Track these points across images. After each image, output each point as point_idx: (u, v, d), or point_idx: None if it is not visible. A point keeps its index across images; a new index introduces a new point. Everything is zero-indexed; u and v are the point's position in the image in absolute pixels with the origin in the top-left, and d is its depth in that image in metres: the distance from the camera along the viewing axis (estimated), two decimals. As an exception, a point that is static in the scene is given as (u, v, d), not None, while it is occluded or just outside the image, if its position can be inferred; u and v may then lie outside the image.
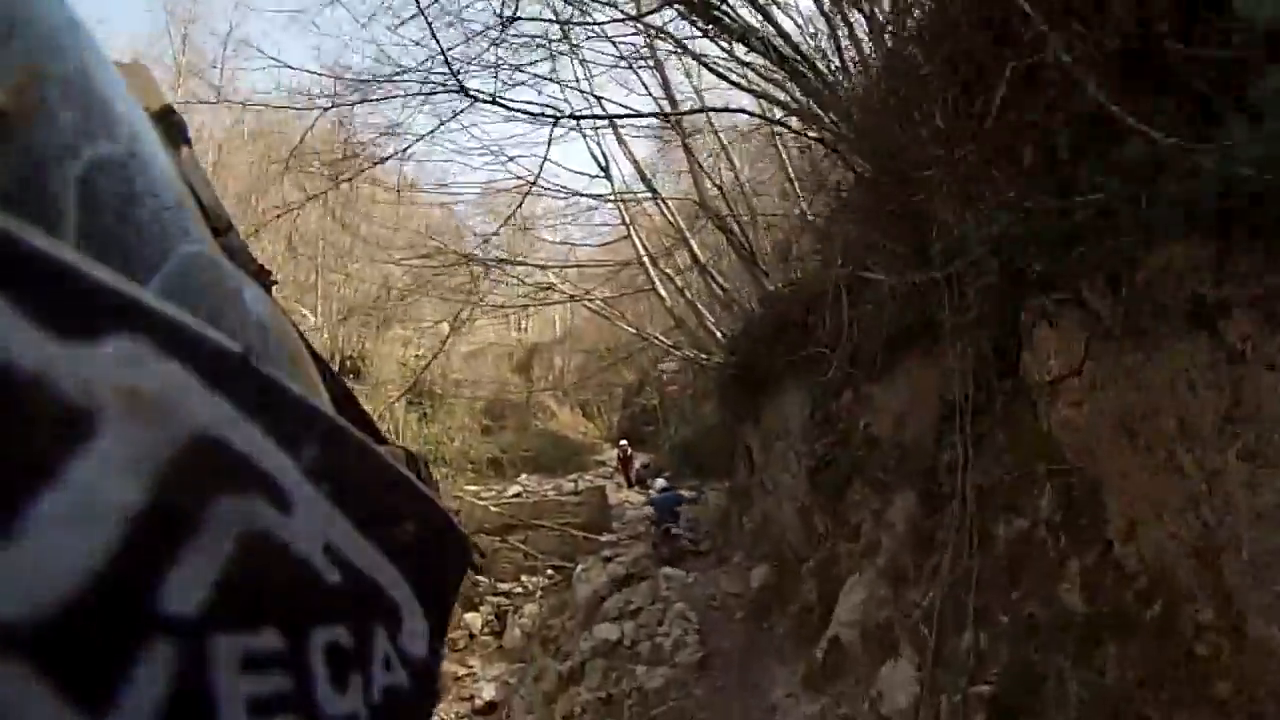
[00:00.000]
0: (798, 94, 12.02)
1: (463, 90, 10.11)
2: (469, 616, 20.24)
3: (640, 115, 15.60)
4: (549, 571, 22.21)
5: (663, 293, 19.57)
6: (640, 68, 16.65)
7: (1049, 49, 4.79)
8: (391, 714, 0.79)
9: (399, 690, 0.80)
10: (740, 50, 12.86)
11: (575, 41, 15.18)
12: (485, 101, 10.67)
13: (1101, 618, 5.47)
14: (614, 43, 14.92)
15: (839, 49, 10.99)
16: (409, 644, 0.83)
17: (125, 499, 0.55)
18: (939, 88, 6.78)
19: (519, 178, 16.73)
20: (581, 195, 18.00)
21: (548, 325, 48.72)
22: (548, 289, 20.30)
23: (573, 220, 22.72)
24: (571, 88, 14.45)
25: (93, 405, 0.53)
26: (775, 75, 13.20)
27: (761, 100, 13.35)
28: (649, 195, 18.82)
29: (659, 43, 14.96)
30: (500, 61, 12.31)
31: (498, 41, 11.80)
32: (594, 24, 12.87)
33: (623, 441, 32.98)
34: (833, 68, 10.91)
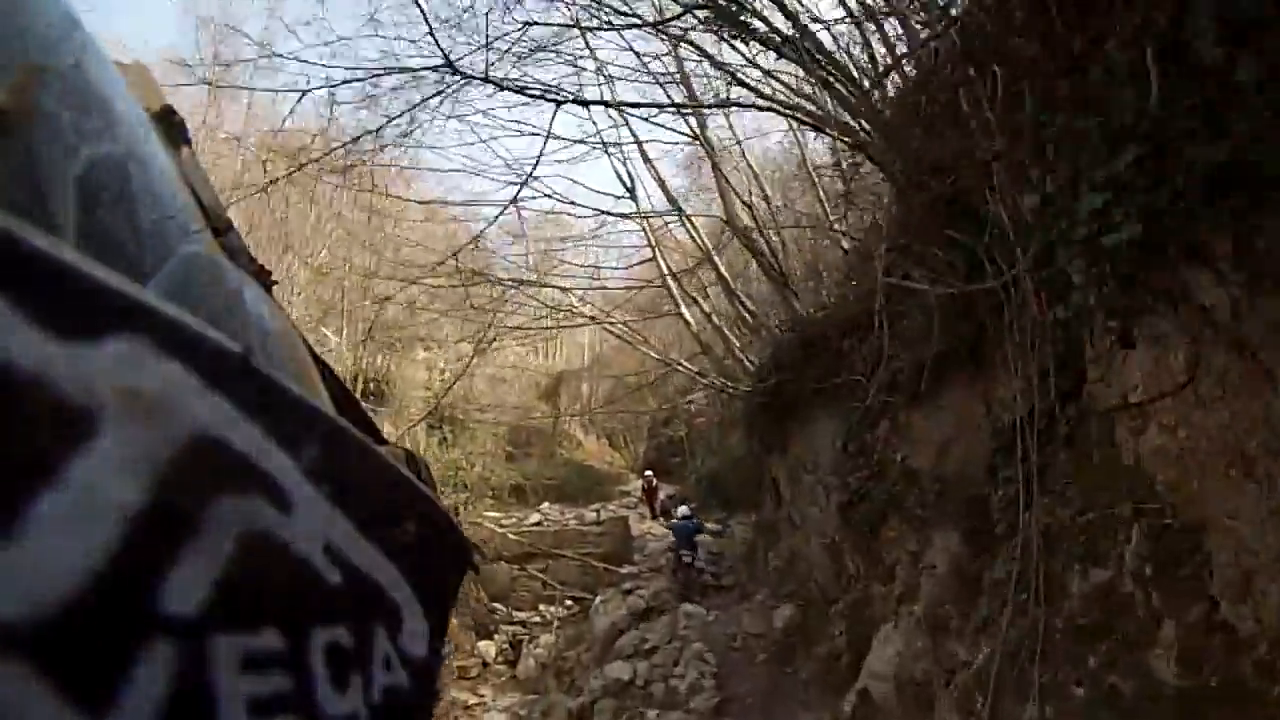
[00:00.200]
0: (829, 104, 11.96)
1: (449, 65, 9.97)
2: (483, 644, 20.21)
3: (654, 106, 15.40)
4: (568, 602, 22.19)
5: (688, 317, 19.52)
6: (667, 83, 16.64)
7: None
8: (391, 714, 0.80)
9: (399, 690, 0.82)
10: (766, 60, 12.84)
11: (597, 52, 15.17)
12: (478, 80, 10.51)
13: (1205, 693, 4.60)
14: (639, 56, 14.92)
15: (871, 54, 10.93)
16: (409, 644, 0.85)
17: (125, 499, 0.57)
18: (993, 81, 6.45)
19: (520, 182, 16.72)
20: (604, 213, 17.95)
21: (577, 352, 48.75)
22: (569, 311, 20.27)
23: (598, 242, 22.72)
24: (596, 104, 14.48)
25: (93, 405, 0.55)
26: (805, 86, 13.19)
27: (791, 113, 13.28)
28: (673, 213, 18.77)
29: (685, 55, 14.95)
30: (524, 76, 12.32)
31: (517, 52, 11.79)
32: (612, 28, 12.82)
33: (648, 472, 32.92)
34: (867, 73, 10.84)
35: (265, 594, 0.70)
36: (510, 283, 19.32)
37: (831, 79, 10.36)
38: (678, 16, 11.94)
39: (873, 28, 10.75)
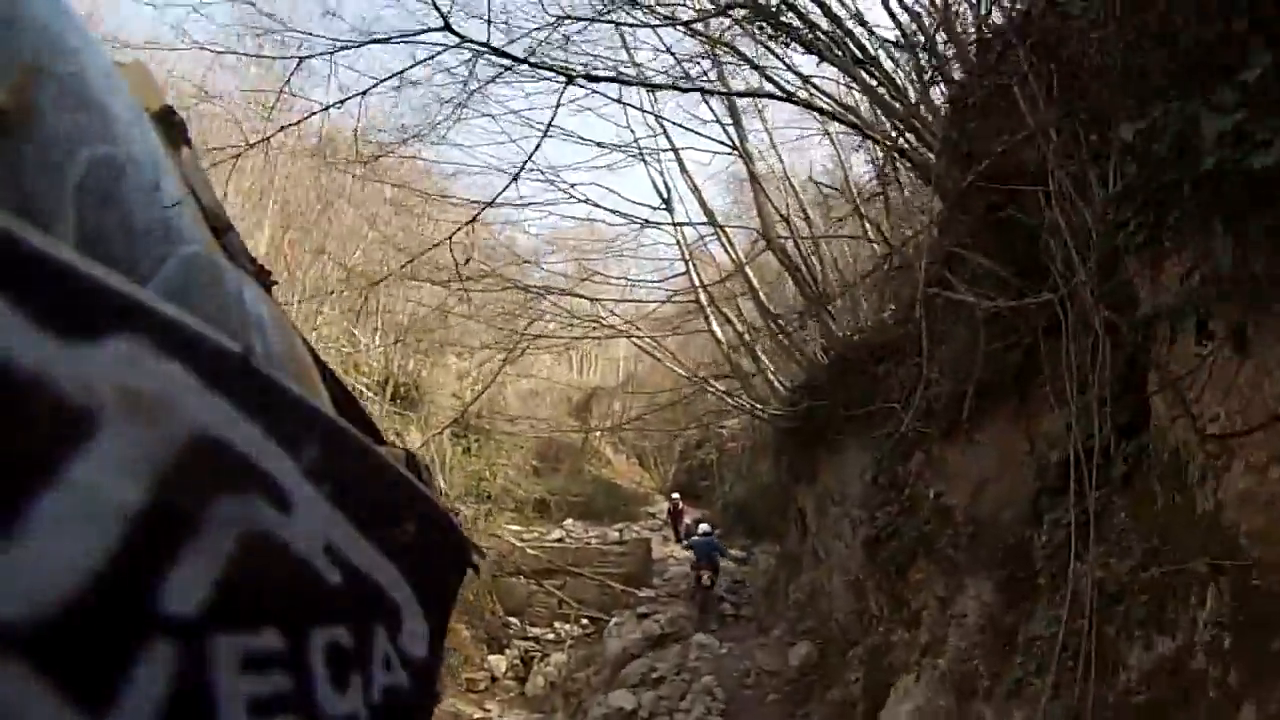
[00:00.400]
0: (872, 111, 11.89)
1: (447, 27, 9.79)
2: (494, 658, 20.29)
3: (684, 89, 15.21)
4: (583, 621, 22.25)
5: (719, 335, 19.42)
6: (705, 87, 16.61)
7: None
8: (391, 714, 0.82)
9: (399, 690, 0.83)
10: (808, 66, 12.79)
11: (634, 53, 15.12)
12: (482, 49, 10.33)
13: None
14: (677, 60, 14.86)
15: (916, 59, 10.83)
16: (409, 644, 0.86)
17: (125, 499, 0.59)
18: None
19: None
20: (637, 221, 17.88)
21: (611, 369, 48.78)
22: (597, 322, 20.23)
23: (631, 253, 22.65)
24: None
25: (93, 405, 0.57)
26: (847, 95, 13.15)
27: (831, 118, 13.17)
28: (708, 224, 18.71)
29: (723, 58, 14.90)
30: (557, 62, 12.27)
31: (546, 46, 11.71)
32: (646, 25, 12.74)
33: (674, 495, 32.94)
34: (911, 79, 10.76)
35: (265, 594, 0.71)
36: (539, 290, 19.29)
37: (875, 83, 10.29)
38: (715, 15, 11.88)
39: (916, 29, 10.61)
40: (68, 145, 0.75)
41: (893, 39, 11.42)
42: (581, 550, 26.10)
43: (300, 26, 11.83)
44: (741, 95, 15.27)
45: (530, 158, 12.72)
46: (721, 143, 17.33)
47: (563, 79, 10.65)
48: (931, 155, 9.27)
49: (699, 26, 12.92)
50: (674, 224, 18.57)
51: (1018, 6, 7.72)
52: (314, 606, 0.75)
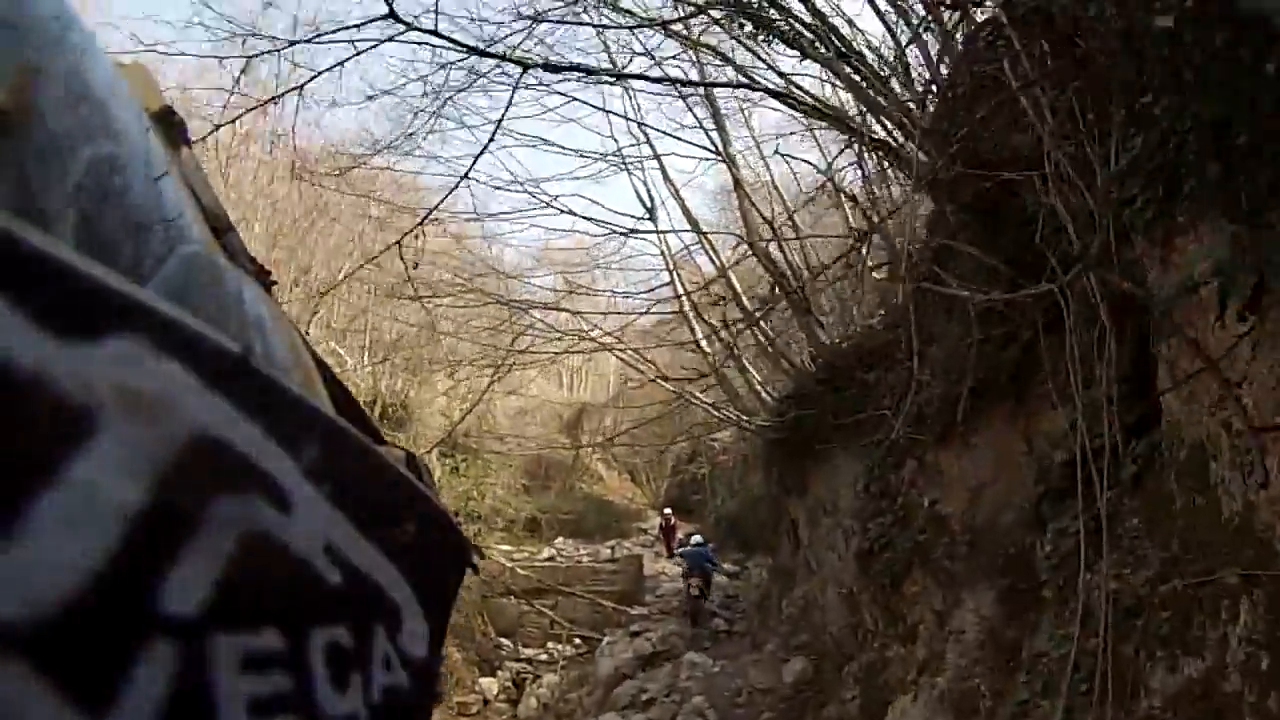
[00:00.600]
0: (856, 109, 11.87)
1: (392, 14, 9.64)
2: (485, 681, 20.26)
3: (655, 80, 15.13)
4: (576, 640, 22.22)
5: (705, 347, 19.41)
6: (692, 101, 16.59)
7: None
8: (391, 714, 0.83)
9: (399, 690, 0.84)
10: (789, 64, 12.77)
11: (619, 62, 15.08)
12: (424, 33, 10.18)
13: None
14: (657, 61, 14.81)
15: (901, 53, 10.81)
16: (409, 644, 0.87)
17: (125, 499, 0.60)
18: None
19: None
20: (619, 231, 17.86)
21: (601, 385, 48.85)
22: (581, 336, 20.20)
23: (616, 266, 22.66)
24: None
25: (93, 405, 0.58)
26: (831, 95, 13.17)
27: (814, 116, 13.15)
28: (692, 232, 18.73)
29: (706, 60, 14.90)
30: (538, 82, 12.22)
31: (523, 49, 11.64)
32: (621, 26, 12.72)
33: (666, 510, 33.21)
34: (896, 72, 10.74)
35: (265, 594, 0.72)
36: (521, 304, 19.30)
37: (860, 79, 10.29)
38: (695, 14, 11.86)
39: (901, 22, 10.61)
40: (68, 145, 0.75)
41: (878, 32, 11.46)
42: (573, 569, 26.18)
43: (253, 25, 11.67)
44: (717, 86, 15.18)
45: (482, 153, 12.56)
46: (705, 148, 17.31)
47: (518, 70, 10.66)
48: (919, 151, 9.19)
49: (678, 28, 12.89)
50: (657, 232, 18.57)
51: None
52: (314, 606, 0.76)
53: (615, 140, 27.45)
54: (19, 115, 0.72)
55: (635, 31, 13.30)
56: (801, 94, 12.60)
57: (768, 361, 19.46)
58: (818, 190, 16.04)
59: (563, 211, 16.49)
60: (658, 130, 20.53)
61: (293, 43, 10.90)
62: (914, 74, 10.53)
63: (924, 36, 10.13)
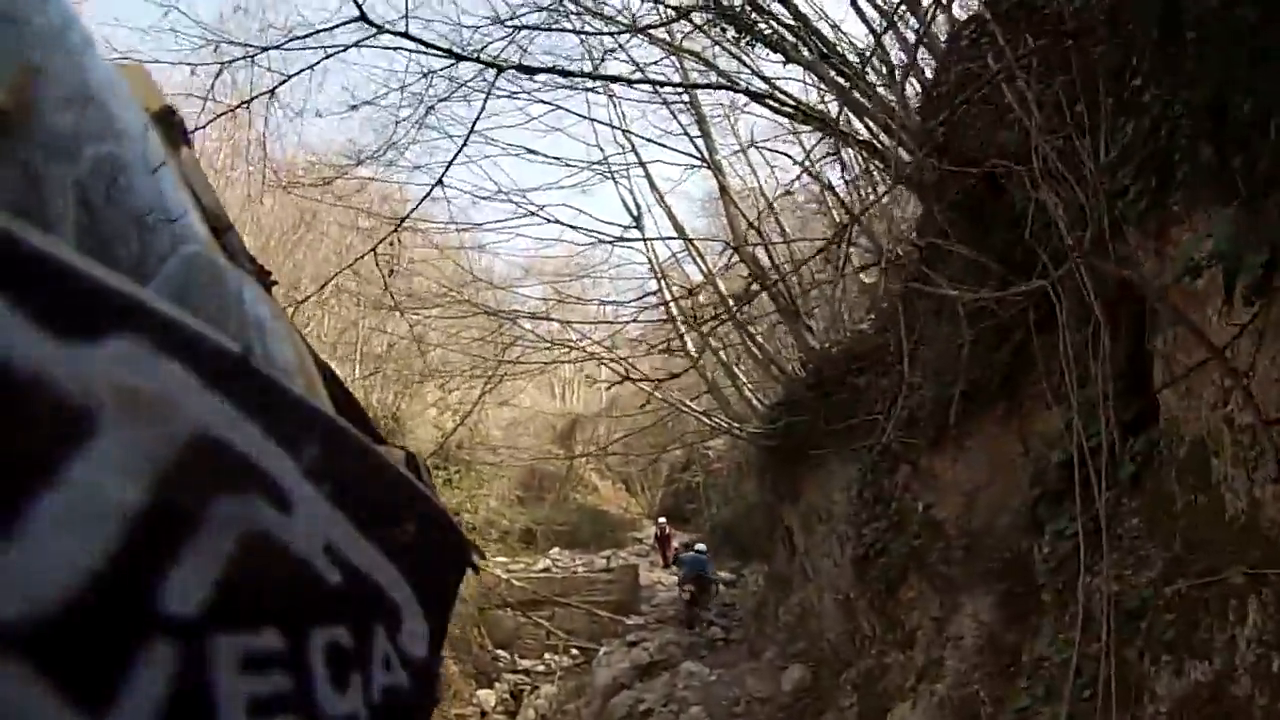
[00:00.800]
0: (841, 112, 11.85)
1: (363, 17, 9.56)
2: (483, 693, 20.08)
3: (638, 82, 15.06)
4: (573, 651, 22.13)
5: (692, 349, 19.32)
6: (677, 108, 16.55)
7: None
8: (391, 714, 0.83)
9: (399, 690, 0.84)
10: (772, 68, 12.75)
11: (598, 64, 15.06)
12: (395, 35, 10.08)
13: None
14: (640, 68, 14.77)
15: (885, 55, 10.78)
16: (409, 644, 0.88)
17: (125, 499, 0.60)
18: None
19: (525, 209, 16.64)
20: (605, 239, 17.82)
21: (594, 395, 48.81)
22: (570, 346, 20.14)
23: (604, 275, 22.65)
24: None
25: (93, 405, 0.58)
26: (816, 99, 13.17)
27: (799, 119, 13.09)
28: (678, 239, 18.67)
29: (690, 67, 14.88)
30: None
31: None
32: (603, 32, 12.66)
33: (661, 519, 33.21)
34: (880, 73, 10.72)
35: (265, 594, 0.73)
36: (509, 315, 19.25)
37: (844, 81, 10.27)
38: (677, 19, 11.83)
39: (884, 23, 10.59)
40: (68, 145, 0.76)
41: (861, 34, 11.46)
42: (569, 579, 26.17)
43: (223, 31, 11.66)
44: (698, 87, 15.14)
45: (456, 155, 12.43)
46: (690, 155, 17.26)
47: (493, 71, 10.63)
48: (904, 152, 9.17)
49: (660, 33, 12.87)
50: (644, 239, 18.53)
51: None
52: (314, 606, 0.76)
53: (600, 148, 27.36)
54: (19, 115, 0.72)
55: (618, 38, 13.28)
56: (785, 97, 12.59)
57: (758, 368, 19.43)
58: (796, 179, 15.94)
59: (549, 221, 16.38)
60: (642, 137, 20.50)
61: (264, 48, 10.86)
62: (897, 74, 10.53)
63: (906, 36, 10.14)
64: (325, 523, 0.75)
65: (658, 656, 17.80)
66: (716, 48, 12.93)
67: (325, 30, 10.01)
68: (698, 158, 17.19)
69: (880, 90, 10.42)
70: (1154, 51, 4.47)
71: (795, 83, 13.94)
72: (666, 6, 11.79)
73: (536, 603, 23.90)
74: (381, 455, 0.86)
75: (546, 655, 22.27)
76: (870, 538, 10.49)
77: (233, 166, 25.77)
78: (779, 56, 10.74)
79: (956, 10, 8.72)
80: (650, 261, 19.03)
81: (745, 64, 13.05)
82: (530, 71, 10.98)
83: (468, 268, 21.10)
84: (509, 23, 11.28)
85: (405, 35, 9.86)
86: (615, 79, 14.14)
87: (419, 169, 28.33)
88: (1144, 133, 4.59)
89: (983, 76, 6.58)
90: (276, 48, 10.69)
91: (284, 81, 11.09)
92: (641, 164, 18.01)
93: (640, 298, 20.00)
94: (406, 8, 9.70)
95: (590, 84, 14.17)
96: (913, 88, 9.91)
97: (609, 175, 17.78)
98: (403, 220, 13.46)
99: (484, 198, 20.49)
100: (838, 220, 15.82)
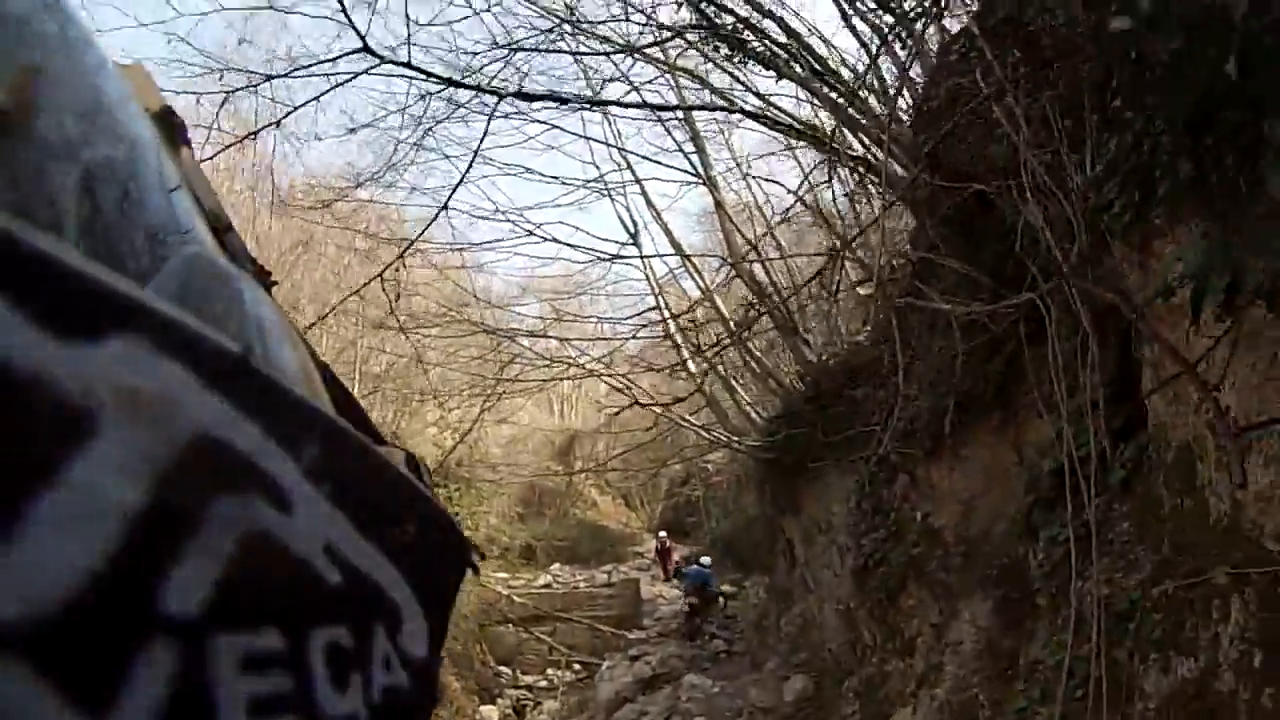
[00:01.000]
0: (834, 127, 11.88)
1: (366, 49, 9.56)
2: (486, 709, 20.04)
3: (637, 107, 15.09)
4: (575, 666, 22.13)
5: (693, 369, 19.36)
6: (672, 125, 16.59)
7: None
8: (391, 714, 0.82)
9: (399, 690, 0.84)
10: (765, 85, 12.80)
11: (593, 83, 15.09)
12: (397, 65, 10.12)
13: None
14: (636, 88, 14.79)
15: (878, 72, 10.81)
16: (409, 644, 0.87)
17: (125, 499, 0.60)
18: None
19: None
20: (602, 256, 17.89)
21: (593, 411, 48.96)
22: (569, 363, 20.20)
23: (601, 292, 22.74)
24: (598, 141, 14.31)
25: (93, 405, 0.57)
26: (810, 114, 13.20)
27: (792, 134, 13.12)
28: (675, 255, 18.72)
29: (684, 84, 14.93)
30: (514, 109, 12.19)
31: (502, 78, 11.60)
32: (598, 52, 12.70)
33: (662, 533, 33.39)
34: (874, 90, 10.74)
35: (265, 594, 0.72)
36: (507, 333, 19.31)
37: (837, 96, 10.30)
38: (671, 38, 11.88)
39: (877, 41, 10.62)
40: (68, 145, 0.75)
41: (854, 49, 11.49)
42: (570, 595, 26.23)
43: (228, 61, 11.70)
44: (693, 109, 15.22)
45: (461, 181, 12.48)
46: (686, 172, 17.31)
47: (493, 99, 10.66)
48: (897, 166, 9.21)
49: (654, 53, 12.93)
50: (641, 257, 18.59)
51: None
52: (314, 606, 0.76)
53: (597, 166, 27.45)
54: (19, 115, 0.72)
55: (612, 58, 13.34)
56: (779, 114, 12.64)
57: (756, 382, 19.47)
58: (792, 208, 16.02)
59: (546, 239, 16.47)
60: (638, 155, 20.63)
61: (269, 77, 10.91)
62: (890, 89, 10.56)
63: (898, 52, 10.17)
64: (325, 523, 0.74)
65: (660, 670, 17.83)
66: (710, 64, 12.98)
67: (330, 61, 10.15)
68: (693, 174, 17.25)
69: (873, 103, 10.45)
70: (1132, 70, 4.45)
71: (789, 99, 13.94)
72: (661, 27, 11.86)
73: (538, 618, 23.94)
74: (382, 455, 0.86)
75: (549, 670, 22.33)
76: (869, 548, 10.62)
77: (230, 188, 25.88)
78: (771, 73, 10.79)
79: (948, 21, 8.72)
80: (648, 278, 19.08)
81: (739, 80, 13.11)
82: (530, 98, 11.05)
83: (469, 288, 21.11)
84: (507, 47, 11.38)
85: (407, 65, 9.98)
86: (612, 103, 14.24)
87: (416, 190, 28.43)
88: (1126, 148, 4.64)
89: (972, 92, 6.65)
90: (283, 76, 10.80)
91: (291, 112, 11.20)
92: (637, 181, 18.11)
93: (638, 314, 20.07)
94: (409, 36, 9.82)
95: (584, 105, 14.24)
96: (905, 100, 9.93)
97: (605, 193, 17.91)
98: (410, 244, 13.56)
99: (482, 217, 20.57)
100: (834, 233, 15.89)
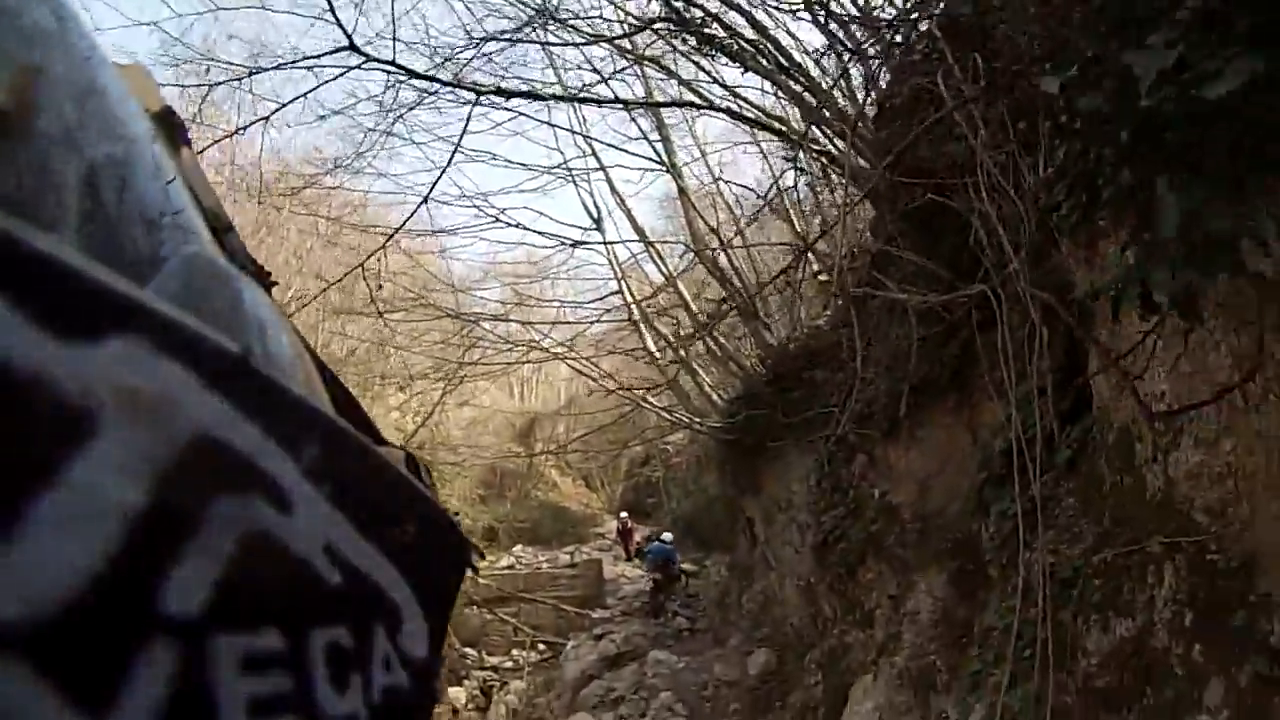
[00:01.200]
0: (798, 120, 11.90)
1: (352, 46, 9.50)
2: (453, 691, 19.83)
3: (606, 102, 14.98)
4: (540, 646, 22.04)
5: (654, 350, 19.34)
6: (637, 113, 16.51)
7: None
8: (391, 714, 0.81)
9: (399, 690, 0.83)
10: (732, 77, 12.82)
11: (565, 78, 15.04)
12: (382, 65, 10.05)
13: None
14: (604, 78, 14.72)
15: (843, 66, 10.82)
16: (409, 644, 0.86)
17: (125, 499, 0.58)
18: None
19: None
20: (566, 242, 17.80)
21: (553, 394, 48.82)
22: (533, 346, 20.11)
23: (565, 277, 22.68)
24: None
25: (93, 405, 0.56)
26: (775, 106, 13.21)
27: (756, 126, 13.12)
28: (638, 241, 18.66)
29: (651, 75, 14.91)
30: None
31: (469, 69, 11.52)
32: (570, 43, 12.65)
33: (623, 514, 33.36)
34: (838, 84, 10.76)
35: (265, 594, 0.71)
36: (471, 317, 19.21)
37: (802, 90, 10.32)
38: (640, 30, 11.85)
39: (842, 35, 10.63)
40: (68, 145, 0.74)
41: (819, 46, 11.48)
42: (533, 575, 26.10)
43: (215, 55, 11.60)
44: (662, 105, 15.17)
45: (441, 176, 12.52)
46: (650, 159, 17.26)
47: (472, 95, 10.61)
48: (858, 159, 9.24)
49: (624, 43, 12.89)
50: (604, 243, 18.54)
51: (941, 4, 7.72)
52: (314, 606, 0.75)
53: (562, 153, 27.37)
54: (19, 115, 0.70)
55: (582, 49, 13.30)
56: (745, 105, 12.65)
57: (718, 365, 19.50)
58: (760, 210, 16.03)
59: (511, 224, 16.34)
60: (603, 143, 20.59)
61: (253, 72, 10.81)
62: (855, 84, 10.59)
63: (864, 48, 10.18)
64: (325, 523, 0.73)
65: (625, 647, 17.86)
66: (678, 55, 12.94)
67: (315, 57, 10.05)
68: (657, 162, 17.21)
69: (838, 99, 10.48)
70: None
71: (755, 90, 13.92)
72: (630, 18, 11.82)
73: (502, 599, 23.78)
74: (381, 455, 0.85)
75: (514, 651, 22.15)
76: (829, 525, 10.79)
77: (214, 180, 25.56)
78: (739, 65, 10.78)
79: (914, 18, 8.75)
80: (611, 263, 19.00)
81: (706, 72, 13.12)
82: (507, 95, 11.00)
83: (437, 273, 20.99)
84: (481, 39, 11.30)
85: (393, 64, 9.90)
86: (586, 100, 14.17)
87: (385, 176, 28.22)
88: (1075, 155, 4.64)
89: (933, 93, 6.70)
90: (268, 70, 10.68)
91: (281, 108, 11.06)
92: (602, 168, 18.11)
93: (601, 299, 20.01)
94: (394, 34, 9.73)
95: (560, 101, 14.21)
96: (868, 93, 9.96)
97: (570, 179, 17.76)
98: (393, 234, 13.46)
99: (448, 203, 20.44)
100: (795, 221, 15.92)
